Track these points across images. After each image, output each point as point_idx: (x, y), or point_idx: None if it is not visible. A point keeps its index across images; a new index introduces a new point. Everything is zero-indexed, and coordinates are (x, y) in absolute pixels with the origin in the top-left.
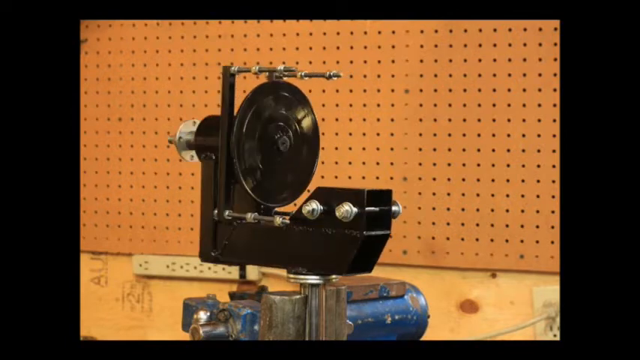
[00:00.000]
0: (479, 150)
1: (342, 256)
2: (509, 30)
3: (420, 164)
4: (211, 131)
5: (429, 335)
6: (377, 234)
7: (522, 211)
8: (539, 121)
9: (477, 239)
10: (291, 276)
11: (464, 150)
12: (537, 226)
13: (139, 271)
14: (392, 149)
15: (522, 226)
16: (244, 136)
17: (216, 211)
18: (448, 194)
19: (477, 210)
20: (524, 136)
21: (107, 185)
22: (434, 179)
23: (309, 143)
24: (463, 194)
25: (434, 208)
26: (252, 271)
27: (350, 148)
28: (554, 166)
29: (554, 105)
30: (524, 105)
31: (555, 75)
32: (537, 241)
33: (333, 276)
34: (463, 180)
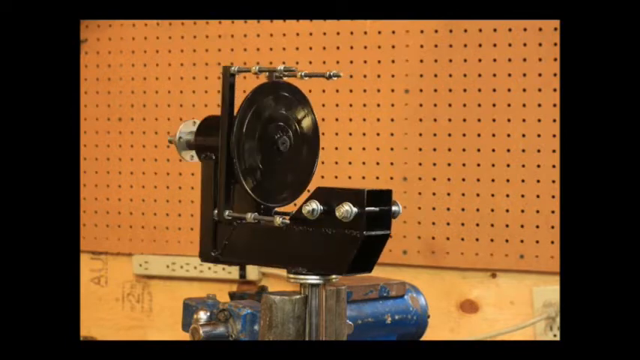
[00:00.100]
0: (479, 150)
1: (342, 256)
2: (509, 30)
3: (420, 164)
4: (211, 131)
5: (429, 335)
6: (377, 234)
7: (522, 211)
8: (539, 121)
9: (477, 239)
10: (291, 276)
11: (464, 150)
12: (537, 226)
13: (139, 271)
14: (392, 149)
15: (522, 226)
16: (244, 136)
17: (216, 211)
18: (448, 194)
19: (477, 210)
20: (524, 136)
21: (107, 185)
22: (434, 179)
23: (309, 143)
24: (463, 194)
25: (434, 208)
26: (252, 271)
27: (350, 148)
28: (554, 166)
29: (554, 105)
30: (524, 105)
31: (555, 75)
32: (537, 241)
33: (333, 276)
34: (463, 180)
